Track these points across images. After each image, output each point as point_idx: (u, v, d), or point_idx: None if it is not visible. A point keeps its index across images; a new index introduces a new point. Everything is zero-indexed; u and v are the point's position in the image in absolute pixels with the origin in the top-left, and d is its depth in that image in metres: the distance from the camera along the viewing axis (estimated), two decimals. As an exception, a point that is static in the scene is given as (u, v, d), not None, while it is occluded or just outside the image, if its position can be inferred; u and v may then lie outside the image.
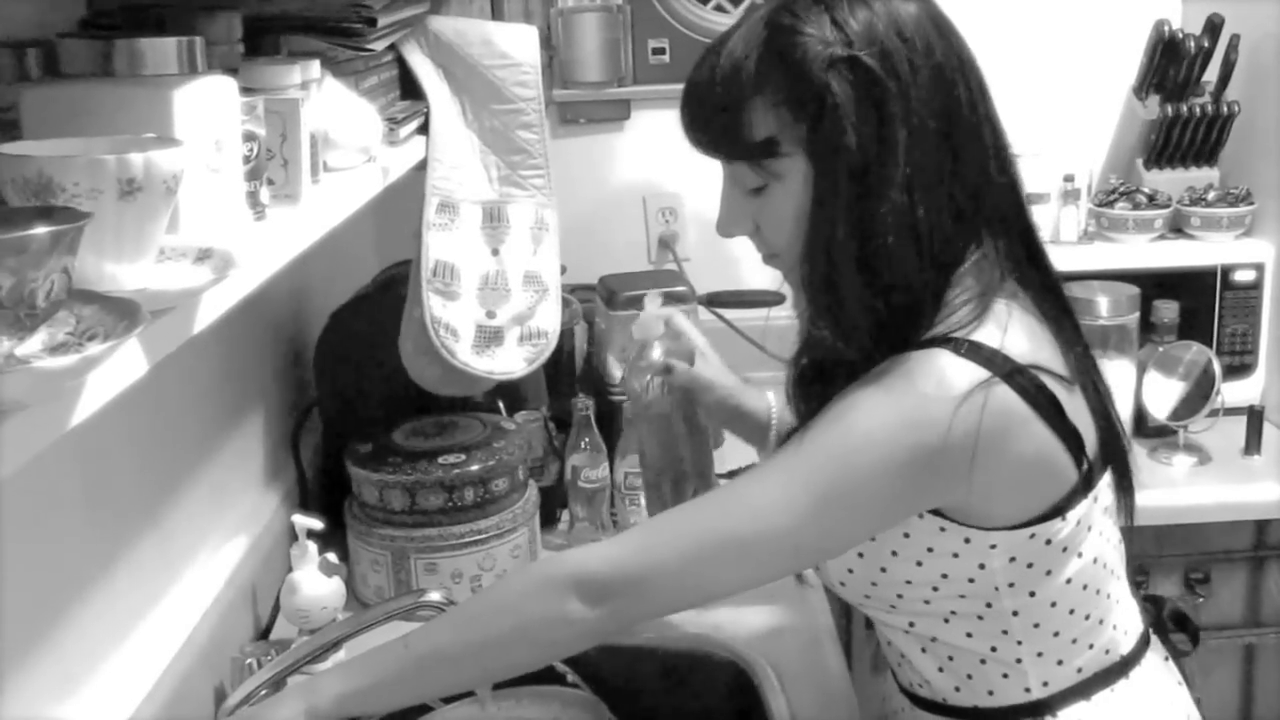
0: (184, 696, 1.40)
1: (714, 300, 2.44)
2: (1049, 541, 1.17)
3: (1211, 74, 2.42)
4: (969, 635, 1.21)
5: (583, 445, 1.91)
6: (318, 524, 1.64)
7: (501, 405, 1.95)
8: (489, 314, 1.71)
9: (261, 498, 1.80)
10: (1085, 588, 1.21)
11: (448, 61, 1.74)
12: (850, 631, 2.09)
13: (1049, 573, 1.18)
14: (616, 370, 2.01)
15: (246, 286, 0.98)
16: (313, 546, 1.63)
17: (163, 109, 0.95)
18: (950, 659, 1.23)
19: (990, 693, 1.23)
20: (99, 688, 1.27)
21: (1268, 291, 2.33)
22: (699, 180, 2.60)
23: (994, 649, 1.21)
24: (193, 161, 0.90)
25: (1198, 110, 2.40)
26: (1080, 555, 1.19)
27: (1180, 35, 2.40)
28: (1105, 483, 1.23)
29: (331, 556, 1.64)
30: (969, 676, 1.23)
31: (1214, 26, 2.37)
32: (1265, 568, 2.17)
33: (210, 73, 1.03)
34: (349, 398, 1.92)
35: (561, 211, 1.80)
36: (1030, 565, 1.17)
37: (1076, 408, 1.17)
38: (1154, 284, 2.27)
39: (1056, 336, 1.20)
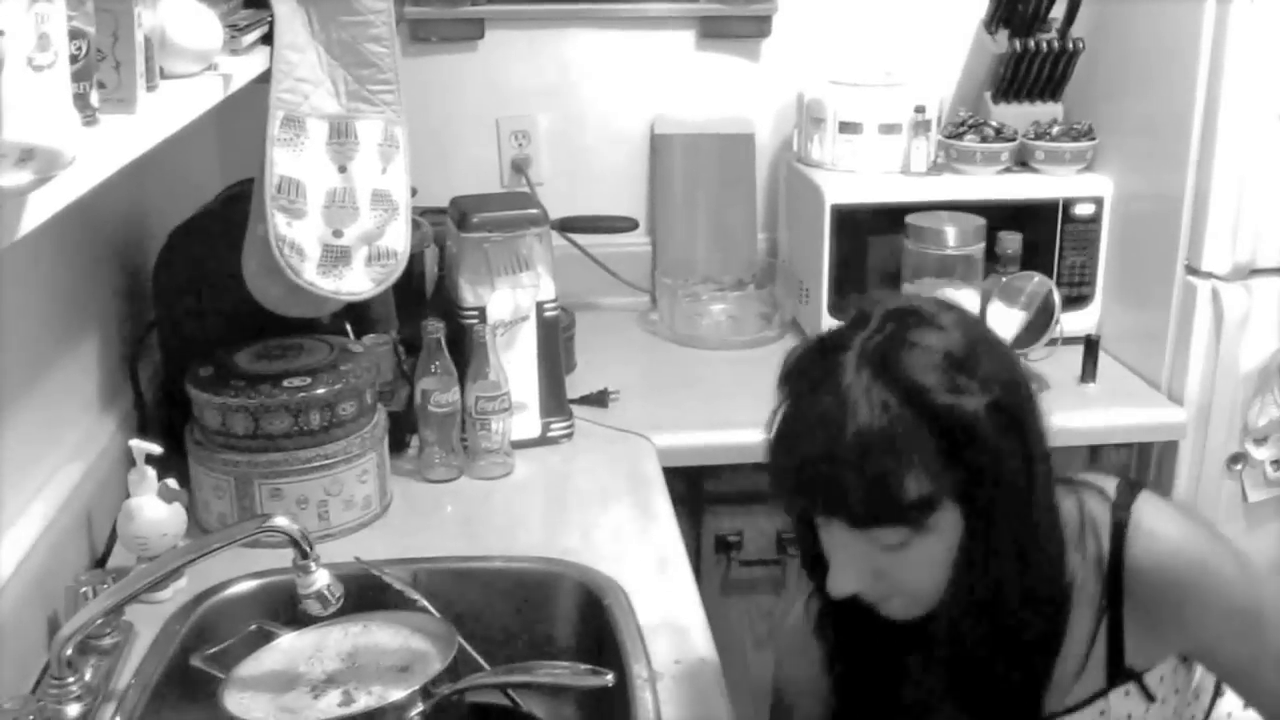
0: (16, 627, 1.35)
1: (567, 225, 2.42)
2: None
3: (1058, 11, 2.46)
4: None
5: (433, 369, 1.88)
6: (156, 449, 1.58)
7: (349, 328, 1.91)
8: (335, 233, 1.67)
9: (97, 422, 1.73)
10: None
11: (293, -31, 1.67)
12: (700, 556, 2.11)
13: None
14: (468, 293, 1.98)
15: (75, 191, 0.93)
16: (151, 472, 1.58)
17: (-18, -1, 0.88)
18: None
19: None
20: (-80, 617, 1.21)
21: (1106, 225, 2.39)
22: (553, 103, 2.60)
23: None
24: (14, 57, 0.84)
25: (1044, 46, 2.45)
26: None
27: (1029, -30, 2.43)
28: None
29: (171, 482, 1.60)
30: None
31: (1062, -38, 2.41)
32: (1098, 491, 2.25)
33: (34, -37, 0.96)
34: (189, 319, 1.86)
35: (412, 133, 1.75)
36: None
37: None
38: (999, 215, 2.31)
39: None
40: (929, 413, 1.11)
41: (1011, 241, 2.30)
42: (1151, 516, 1.23)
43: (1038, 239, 2.36)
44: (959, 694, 1.26)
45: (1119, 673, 1.26)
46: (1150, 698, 1.27)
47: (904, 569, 1.17)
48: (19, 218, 0.84)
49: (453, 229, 2.04)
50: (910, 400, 1.11)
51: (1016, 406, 1.15)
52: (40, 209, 0.87)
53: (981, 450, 1.12)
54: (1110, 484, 1.27)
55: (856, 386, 1.11)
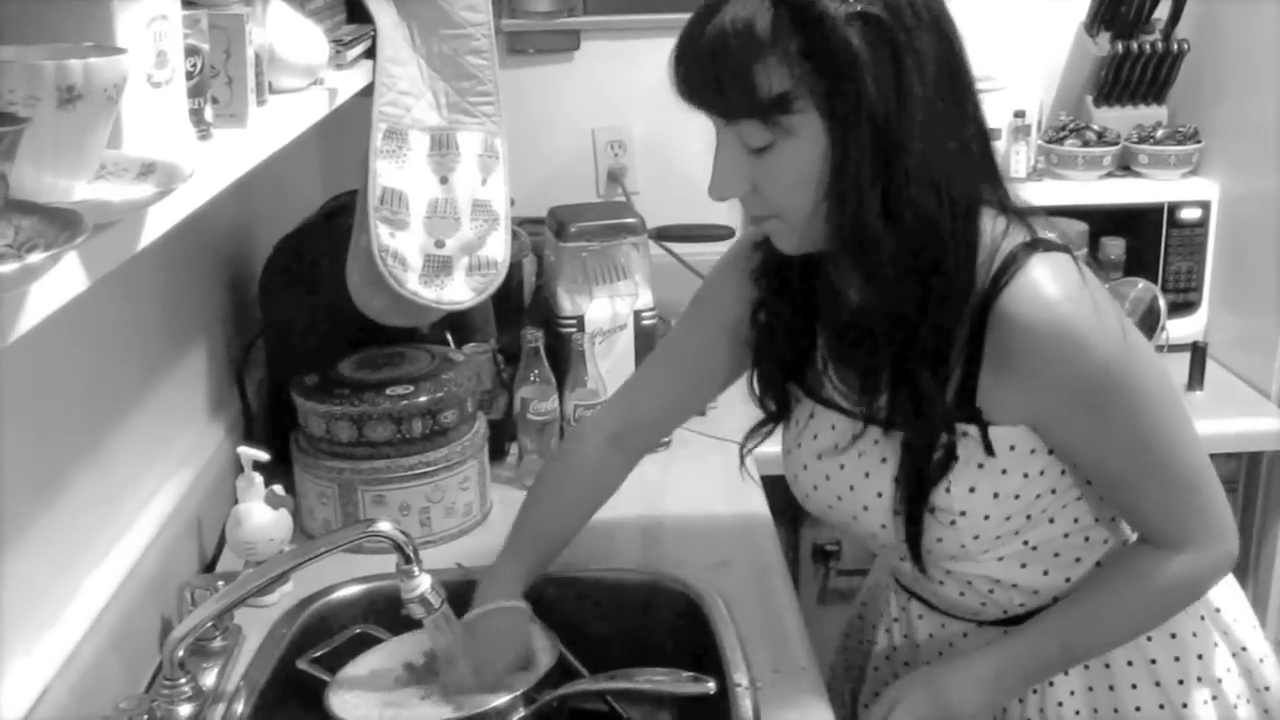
0: (129, 630, 1.38)
1: (663, 234, 2.42)
2: None
3: (1162, 12, 2.42)
4: (1076, 520, 1.31)
5: (532, 377, 1.89)
6: (264, 456, 1.61)
7: (449, 337, 1.93)
8: (437, 243, 1.69)
9: (206, 430, 1.77)
10: None
11: (395, -16, 1.70)
12: (798, 564, 2.10)
13: None
14: (566, 302, 1.99)
15: (192, 203, 0.96)
16: (259, 478, 1.61)
17: (103, 19, 0.91)
18: (1055, 555, 1.32)
19: (1098, 564, 1.34)
20: (43, 621, 1.25)
21: (1212, 229, 2.34)
22: (648, 113, 2.60)
23: (1096, 519, 1.32)
24: (134, 74, 0.87)
25: (1147, 48, 2.40)
26: None
27: (1131, -29, 2.39)
28: None
29: (278, 488, 1.63)
30: (1077, 560, 1.33)
31: (1165, -37, 2.37)
32: (1205, 502, 2.20)
33: (151, -16, 0.99)
34: (294, 329, 1.89)
35: (510, 143, 1.77)
36: None
37: None
38: (1102, 221, 2.28)
39: None
40: (794, 7, 1.11)
41: (1115, 247, 2.26)
42: (1044, 271, 1.17)
43: (1142, 244, 2.32)
44: (836, 349, 1.32)
45: (967, 410, 1.23)
46: (990, 452, 1.24)
47: (773, 178, 1.18)
48: (139, 231, 0.86)
49: (551, 239, 2.06)
50: None
51: (897, 29, 1.12)
52: (159, 222, 0.89)
53: (842, 58, 1.11)
54: (1048, 232, 1.22)
55: None
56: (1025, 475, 1.26)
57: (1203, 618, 1.39)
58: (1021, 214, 1.22)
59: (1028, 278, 1.17)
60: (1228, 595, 1.42)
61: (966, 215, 1.18)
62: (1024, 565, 1.32)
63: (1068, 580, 1.34)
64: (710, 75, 1.16)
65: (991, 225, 1.21)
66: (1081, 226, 2.22)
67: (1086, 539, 1.33)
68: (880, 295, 1.19)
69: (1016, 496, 1.26)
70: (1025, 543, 1.30)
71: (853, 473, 1.33)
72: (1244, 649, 1.41)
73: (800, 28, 1.11)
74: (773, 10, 1.12)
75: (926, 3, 1.16)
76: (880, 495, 1.30)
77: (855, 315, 1.24)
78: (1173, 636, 1.37)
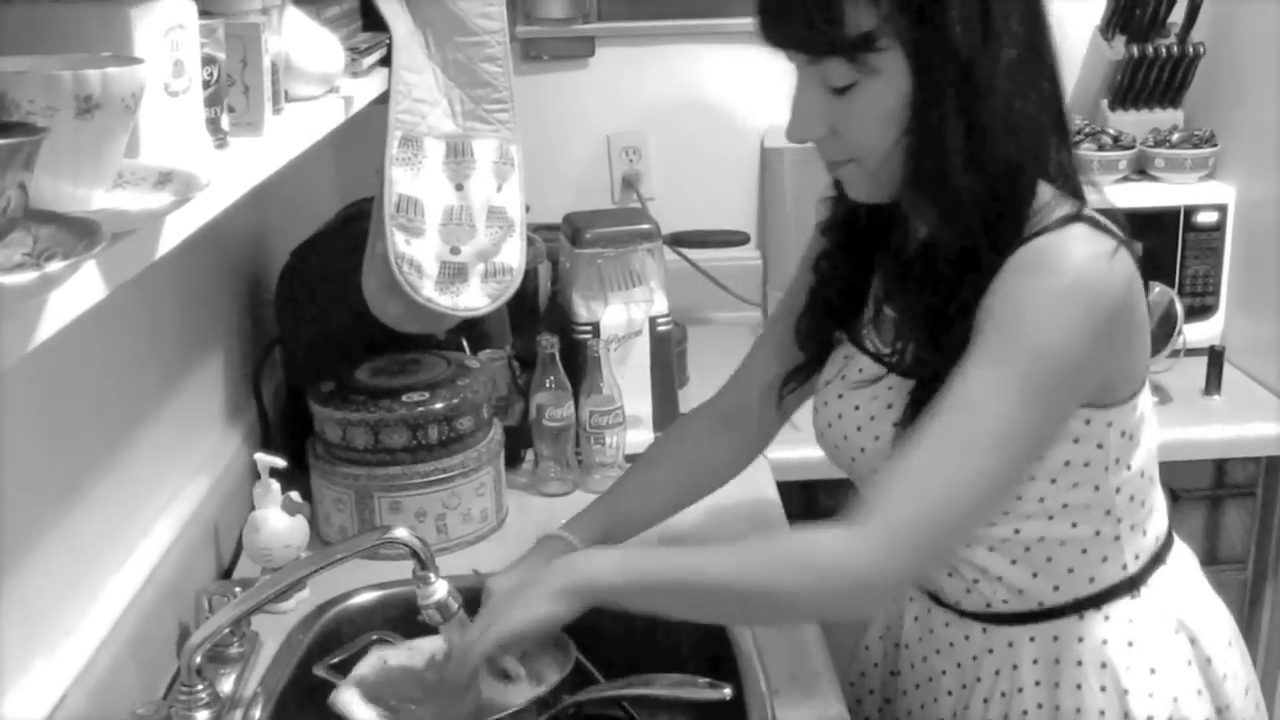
0: (147, 636, 1.39)
1: (678, 240, 2.42)
2: (1142, 412, 1.27)
3: (1177, 15, 2.41)
4: (1074, 525, 1.27)
5: (547, 384, 1.89)
6: (280, 462, 1.62)
7: (465, 343, 1.94)
8: (453, 250, 1.69)
9: (223, 436, 1.78)
10: (1150, 453, 1.31)
11: (410, -8, 1.70)
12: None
13: (1139, 442, 1.27)
14: (581, 309, 1.99)
15: (209, 212, 0.96)
16: (275, 485, 1.62)
17: (120, 29, 0.92)
18: (1049, 559, 1.28)
19: (1091, 580, 1.30)
20: (60, 627, 1.25)
21: (1229, 233, 2.33)
22: (663, 119, 2.61)
23: (1097, 533, 1.28)
24: (152, 84, 0.87)
25: (1163, 51, 2.40)
26: (1151, 423, 1.30)
27: (1147, -25, 2.39)
28: None
29: (295, 495, 1.63)
30: (1070, 570, 1.29)
31: (1180, -33, 2.36)
32: (1223, 506, 2.20)
33: (168, -7, 1.00)
34: (311, 335, 1.90)
35: (525, 150, 1.78)
36: (1131, 437, 1.26)
37: None
38: (1118, 225, 2.27)
39: None
40: None
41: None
42: (1067, 243, 1.14)
43: (1159, 248, 2.31)
44: (895, 287, 1.30)
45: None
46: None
47: (855, 118, 1.18)
48: (156, 240, 0.87)
49: (566, 245, 2.06)
50: None
51: None
52: (176, 231, 0.90)
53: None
54: (1093, 214, 1.19)
55: None
56: None
57: (1189, 663, 1.33)
58: (1076, 186, 1.22)
59: (1051, 240, 1.15)
60: (1225, 654, 1.37)
61: (1036, 162, 1.18)
62: (1014, 561, 1.29)
63: (1056, 589, 1.30)
64: (799, 11, 1.15)
65: (1049, 188, 1.20)
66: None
67: (1084, 551, 1.29)
68: (953, 231, 1.19)
69: None
70: (1017, 531, 1.26)
71: (863, 414, 1.33)
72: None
73: None
74: None
75: None
76: (878, 439, 1.30)
77: (922, 249, 1.25)
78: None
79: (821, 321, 1.42)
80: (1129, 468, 1.27)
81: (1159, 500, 1.35)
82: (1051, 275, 1.14)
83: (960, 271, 1.19)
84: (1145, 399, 1.28)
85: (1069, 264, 1.14)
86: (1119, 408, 1.24)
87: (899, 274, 1.31)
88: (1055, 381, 1.15)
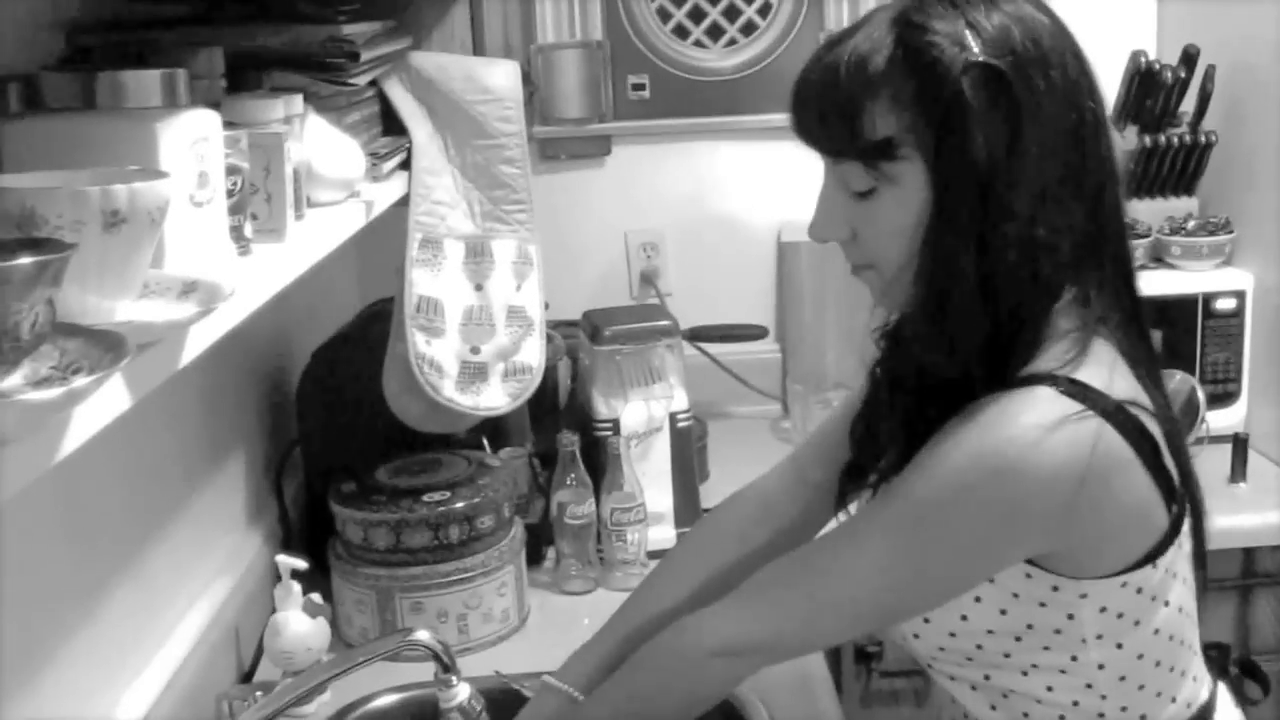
0: (167, 741, 1.38)
1: (697, 335, 2.43)
2: (1140, 590, 1.13)
3: (1188, 104, 2.43)
4: (1049, 689, 1.16)
5: (568, 481, 1.89)
6: (302, 564, 1.61)
7: (486, 442, 1.94)
8: (473, 350, 1.70)
9: (244, 537, 1.78)
10: (1171, 638, 1.17)
11: (429, 97, 1.73)
12: (840, 669, 2.07)
13: (1138, 623, 1.14)
14: (601, 406, 2.00)
15: (232, 320, 0.97)
16: (297, 587, 1.61)
17: (146, 142, 0.94)
18: (1025, 715, 1.18)
19: None
20: (80, 733, 1.25)
21: (1249, 319, 2.33)
22: (679, 215, 2.63)
23: (1076, 703, 1.16)
24: (177, 195, 0.89)
25: (1175, 140, 2.41)
26: (1167, 604, 1.16)
27: (1157, 66, 2.41)
28: (1185, 527, 1.18)
29: (316, 597, 1.62)
30: None
31: (1190, 57, 2.38)
32: (1253, 596, 2.17)
33: (193, 106, 1.02)
34: (332, 436, 1.90)
35: (543, 248, 1.79)
36: (1120, 615, 1.13)
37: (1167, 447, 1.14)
38: (1136, 313, 2.27)
39: (1144, 367, 1.17)
40: (911, 49, 1.07)
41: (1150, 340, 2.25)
42: (1015, 404, 1.06)
43: (1178, 336, 2.30)
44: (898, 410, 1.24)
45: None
46: None
47: (872, 225, 1.13)
48: (180, 349, 0.88)
49: (585, 342, 2.07)
50: (899, 34, 1.09)
51: (1019, 87, 1.06)
52: (200, 340, 0.91)
53: (952, 108, 1.06)
54: (1074, 377, 1.08)
55: (872, 20, 1.12)
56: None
57: None
58: (1085, 340, 1.11)
59: (1015, 399, 1.07)
60: None
61: (1050, 295, 1.11)
62: (993, 708, 1.20)
63: None
64: (817, 108, 1.12)
65: (1083, 317, 1.12)
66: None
67: (1062, 718, 1.17)
68: (948, 360, 1.12)
69: (978, 600, 1.14)
70: (987, 678, 1.18)
71: None
72: None
73: (915, 71, 1.07)
74: (892, 49, 1.08)
75: (1065, 68, 1.10)
76: None
77: (915, 367, 1.19)
78: None
79: (867, 434, 1.33)
80: (1120, 646, 1.14)
81: (1184, 690, 1.20)
82: (976, 430, 1.07)
83: (948, 397, 1.12)
84: (1150, 581, 1.13)
85: (999, 428, 1.06)
86: (1097, 581, 1.11)
87: (892, 384, 1.26)
88: (928, 535, 1.10)
